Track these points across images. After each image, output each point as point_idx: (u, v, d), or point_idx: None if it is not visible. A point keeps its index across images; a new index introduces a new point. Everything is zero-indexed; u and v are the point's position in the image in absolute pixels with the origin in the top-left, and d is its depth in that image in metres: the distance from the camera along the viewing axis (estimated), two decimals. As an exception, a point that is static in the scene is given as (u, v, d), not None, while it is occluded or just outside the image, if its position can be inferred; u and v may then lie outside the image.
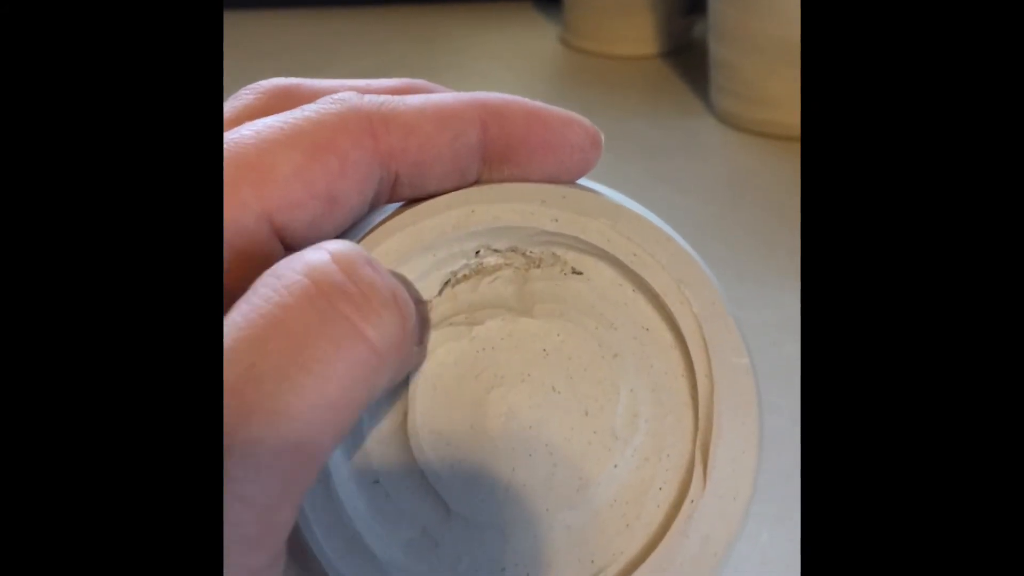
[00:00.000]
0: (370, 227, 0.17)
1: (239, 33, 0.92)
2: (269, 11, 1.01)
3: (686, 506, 0.17)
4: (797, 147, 0.67)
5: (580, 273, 0.18)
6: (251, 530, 0.13)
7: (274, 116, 0.16)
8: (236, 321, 0.13)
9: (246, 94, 0.18)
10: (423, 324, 0.17)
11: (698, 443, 0.17)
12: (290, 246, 0.16)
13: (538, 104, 0.18)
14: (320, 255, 0.14)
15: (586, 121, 0.18)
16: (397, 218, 0.17)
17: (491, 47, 0.92)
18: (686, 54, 0.87)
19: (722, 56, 0.70)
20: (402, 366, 0.16)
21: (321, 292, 0.13)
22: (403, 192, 0.17)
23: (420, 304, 0.17)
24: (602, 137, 0.18)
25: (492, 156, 0.17)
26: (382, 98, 0.17)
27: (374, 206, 0.17)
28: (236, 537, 0.13)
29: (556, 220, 0.17)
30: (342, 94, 0.17)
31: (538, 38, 0.93)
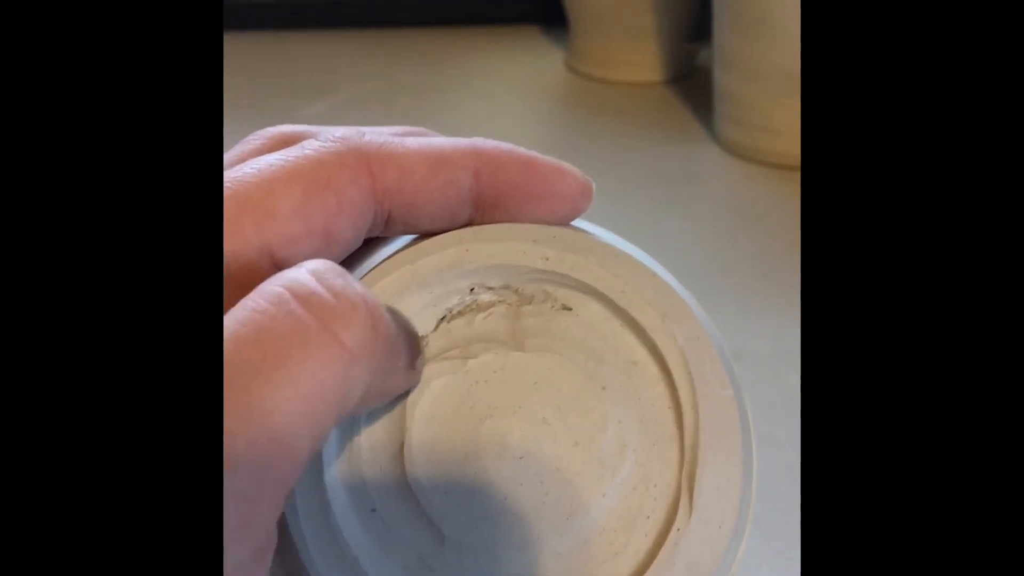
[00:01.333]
0: (369, 265, 0.18)
1: (245, 55, 0.93)
2: (276, 33, 1.02)
3: (672, 534, 0.18)
4: (799, 177, 0.67)
5: (570, 309, 0.18)
6: (230, 521, 0.13)
7: (276, 153, 0.17)
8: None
9: (254, 140, 0.19)
10: (414, 350, 0.18)
11: (684, 473, 0.18)
12: None
13: (532, 154, 0.18)
14: (297, 270, 0.15)
15: (578, 171, 0.19)
16: (395, 257, 0.18)
17: (497, 71, 0.93)
18: (690, 81, 0.87)
19: (726, 84, 0.71)
20: (384, 375, 0.16)
21: (295, 297, 0.14)
22: (395, 229, 0.18)
23: (413, 335, 0.18)
24: (593, 186, 0.19)
25: (484, 203, 0.18)
26: (382, 139, 0.18)
27: (367, 239, 0.18)
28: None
29: (547, 259, 0.18)
30: (343, 132, 0.17)
31: (544, 63, 0.94)
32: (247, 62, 0.91)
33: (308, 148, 0.17)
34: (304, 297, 0.14)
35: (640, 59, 0.87)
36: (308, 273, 0.15)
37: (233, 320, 0.14)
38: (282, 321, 0.14)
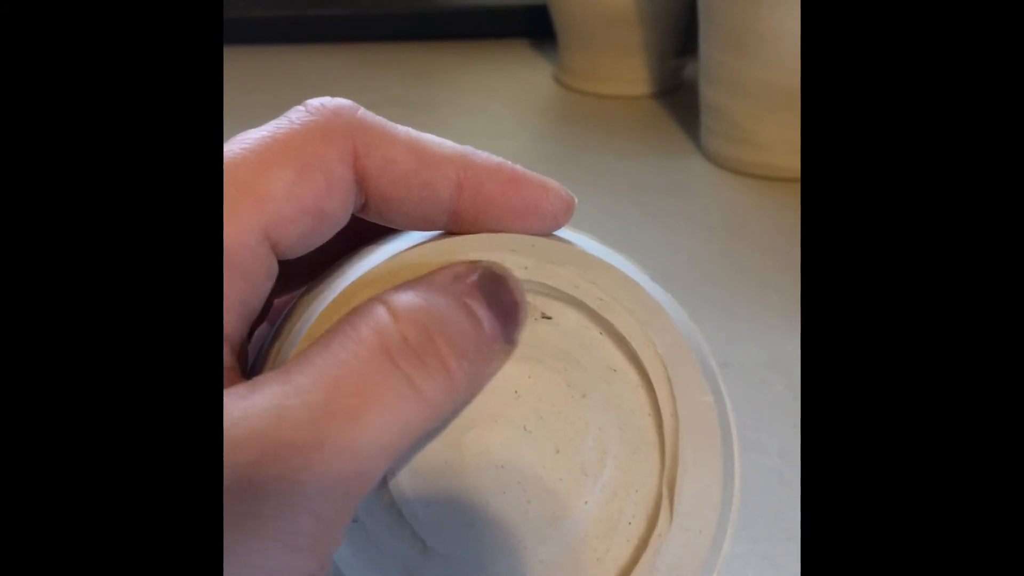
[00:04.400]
0: (353, 275, 0.18)
1: (238, 68, 0.93)
2: (268, 47, 1.03)
3: (654, 540, 0.18)
4: (784, 188, 0.68)
5: (550, 318, 0.18)
6: (312, 540, 0.15)
7: (261, 129, 0.17)
8: (316, 363, 0.15)
9: None
10: (517, 326, 0.18)
11: (664, 479, 0.18)
12: (282, 257, 0.18)
13: (517, 170, 0.18)
14: (384, 310, 0.16)
15: (561, 188, 0.19)
16: (379, 267, 0.18)
17: (487, 84, 0.93)
18: (677, 95, 0.88)
19: (712, 99, 0.72)
20: (457, 406, 0.18)
21: (386, 351, 0.16)
22: (371, 215, 0.18)
23: (517, 306, 0.18)
24: (576, 202, 0.19)
25: (464, 214, 0.18)
26: (375, 119, 0.18)
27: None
28: (299, 544, 0.15)
29: (526, 268, 0.18)
30: (338, 103, 0.18)
31: (533, 76, 0.95)
32: (241, 75, 0.92)
33: (295, 120, 0.17)
34: (394, 352, 0.16)
35: (628, 73, 0.87)
36: (397, 321, 0.16)
37: (330, 356, 0.15)
38: (376, 371, 0.15)
